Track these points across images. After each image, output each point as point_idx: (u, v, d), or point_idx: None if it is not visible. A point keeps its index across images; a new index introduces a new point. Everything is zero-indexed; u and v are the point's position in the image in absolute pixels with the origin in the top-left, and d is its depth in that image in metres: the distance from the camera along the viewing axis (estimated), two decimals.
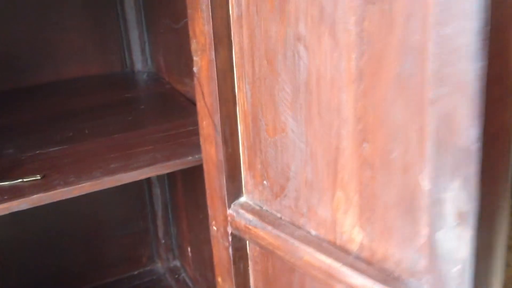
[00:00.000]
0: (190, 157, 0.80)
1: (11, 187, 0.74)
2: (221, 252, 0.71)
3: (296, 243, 0.58)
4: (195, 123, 0.88)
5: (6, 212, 0.70)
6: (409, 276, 0.49)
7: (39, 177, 0.75)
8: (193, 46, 0.62)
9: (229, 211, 0.67)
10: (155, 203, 1.26)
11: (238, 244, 0.68)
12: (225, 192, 0.66)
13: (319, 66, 0.51)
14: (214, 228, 0.71)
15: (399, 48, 0.44)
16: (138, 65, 1.17)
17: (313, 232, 0.58)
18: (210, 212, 0.71)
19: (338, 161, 0.53)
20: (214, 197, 0.69)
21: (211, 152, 0.66)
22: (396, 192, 0.48)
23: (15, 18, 1.09)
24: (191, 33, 0.62)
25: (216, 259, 0.73)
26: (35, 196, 0.71)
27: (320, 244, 0.57)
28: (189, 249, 1.20)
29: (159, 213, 1.27)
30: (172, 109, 0.99)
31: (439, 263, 0.45)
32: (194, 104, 0.97)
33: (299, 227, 0.60)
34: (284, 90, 0.56)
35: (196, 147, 0.80)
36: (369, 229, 0.52)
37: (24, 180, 0.74)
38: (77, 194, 0.74)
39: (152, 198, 1.26)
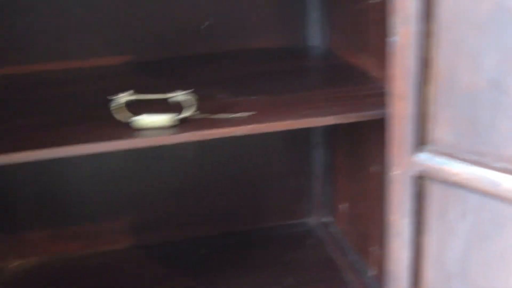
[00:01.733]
0: (366, 112, 0.97)
1: (227, 120, 0.95)
2: (401, 194, 0.86)
3: (495, 173, 0.74)
4: (370, 89, 1.06)
5: (226, 135, 0.91)
6: None
7: (250, 114, 0.96)
8: (395, 18, 0.79)
9: (414, 157, 0.83)
10: (316, 163, 1.45)
11: (420, 186, 0.84)
12: (412, 140, 0.82)
13: None
14: (395, 173, 0.87)
15: None
16: (315, 40, 1.36)
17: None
18: (392, 159, 0.86)
19: None
20: (399, 146, 0.84)
21: (401, 106, 0.81)
22: None
23: None
24: (393, 7, 0.78)
25: (393, 201, 0.89)
26: (248, 126, 0.92)
27: None
28: (344, 205, 1.38)
29: (319, 173, 1.46)
30: (347, 77, 1.15)
31: None
32: (367, 75, 1.14)
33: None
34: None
35: (372, 106, 0.97)
36: None
37: (239, 115, 0.96)
38: (278, 129, 0.93)
39: (314, 159, 1.45)
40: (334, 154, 1.41)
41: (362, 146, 1.21)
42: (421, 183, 0.86)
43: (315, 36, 1.36)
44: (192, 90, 0.94)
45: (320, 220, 1.50)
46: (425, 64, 0.79)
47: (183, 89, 0.96)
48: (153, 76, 1.21)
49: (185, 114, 0.92)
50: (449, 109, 0.79)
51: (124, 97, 0.92)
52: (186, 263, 1.39)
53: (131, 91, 0.93)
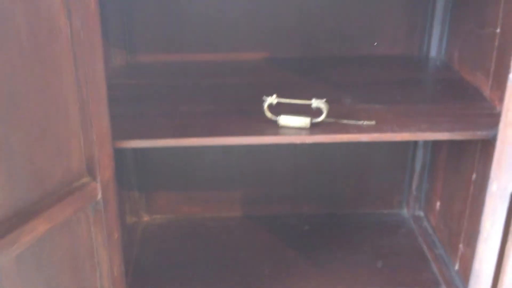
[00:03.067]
0: (478, 132, 1.10)
1: (355, 125, 1.11)
2: (497, 206, 1.00)
3: None
4: (482, 108, 1.18)
5: (353, 140, 1.08)
6: None
7: (374, 123, 1.12)
8: None
9: None
10: (416, 162, 1.59)
11: None
12: None
13: None
14: (494, 187, 1.01)
15: None
16: (433, 53, 1.48)
17: None
18: (493, 176, 1.00)
19: None
20: (501, 166, 0.98)
21: (509, 133, 0.95)
22: None
23: (348, 3, 1.46)
24: None
25: (487, 210, 1.03)
26: (373, 134, 1.07)
27: None
28: (438, 203, 1.52)
29: (417, 170, 1.60)
30: (461, 93, 1.26)
31: None
32: (480, 93, 1.25)
33: None
34: None
35: (483, 126, 1.09)
36: None
37: (364, 122, 1.12)
38: (398, 139, 1.08)
39: (415, 158, 1.59)
40: (437, 155, 1.54)
41: (465, 154, 1.33)
42: None
43: (436, 47, 1.47)
44: (326, 99, 1.11)
45: (414, 213, 1.65)
46: None
47: (315, 89, 1.12)
48: (291, 73, 1.39)
49: (320, 118, 1.10)
50: None
51: (272, 100, 1.10)
52: (290, 237, 1.58)
53: (276, 95, 1.11)
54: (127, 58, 1.47)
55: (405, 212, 1.68)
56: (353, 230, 1.61)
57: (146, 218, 1.66)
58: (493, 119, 1.11)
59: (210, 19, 1.44)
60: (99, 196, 0.98)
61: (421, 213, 1.65)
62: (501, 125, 0.98)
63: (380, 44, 1.50)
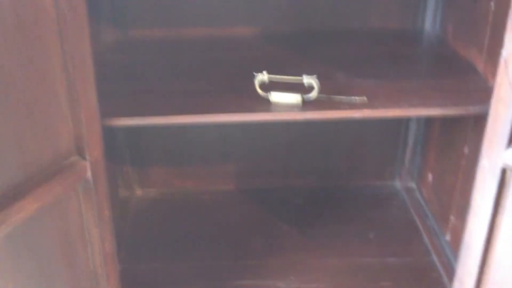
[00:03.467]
0: (470, 107, 1.09)
1: (347, 102, 1.10)
2: (487, 180, 1.01)
3: None
4: (475, 84, 1.18)
5: (346, 116, 1.07)
6: None
7: (365, 99, 1.11)
8: (509, 36, 0.90)
9: (503, 153, 0.96)
10: (409, 135, 1.59)
11: (503, 176, 0.99)
12: (504, 139, 0.95)
13: None
14: (485, 162, 1.01)
15: None
16: (428, 26, 1.46)
17: None
18: (484, 151, 1.00)
19: None
20: (492, 142, 0.98)
21: (500, 109, 0.94)
22: None
23: None
24: (510, 26, 0.89)
25: (478, 184, 1.03)
26: (365, 110, 1.07)
27: None
28: (430, 176, 1.52)
29: (410, 144, 1.60)
30: (455, 68, 1.25)
31: None
32: (474, 68, 1.23)
33: None
34: None
35: (476, 102, 1.08)
36: None
37: (356, 98, 1.11)
38: (389, 116, 1.08)
39: (408, 131, 1.59)
40: (430, 128, 1.53)
41: (458, 128, 1.33)
42: (504, 174, 1.00)
43: (430, 21, 1.45)
44: (317, 74, 1.09)
45: (406, 185, 1.66)
46: None
47: (308, 64, 1.10)
48: (284, 48, 1.37)
49: (312, 95, 1.09)
50: None
51: (263, 76, 1.09)
52: (282, 210, 1.59)
53: (266, 72, 1.10)
54: (118, 34, 1.44)
55: (397, 184, 1.68)
56: (346, 202, 1.62)
57: (139, 192, 1.66)
58: (486, 94, 1.10)
59: None
60: (89, 174, 0.98)
61: (413, 185, 1.66)
62: (493, 101, 0.97)
63: (374, 18, 1.48)
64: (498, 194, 1.03)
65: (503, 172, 1.00)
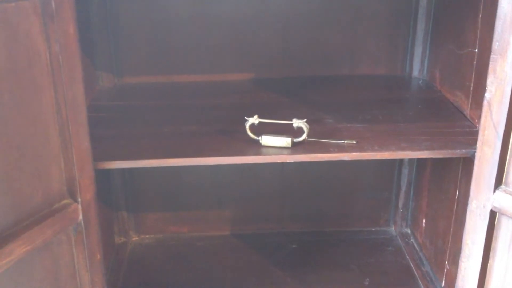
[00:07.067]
0: (457, 150, 1.11)
1: (336, 144, 1.12)
2: (476, 223, 1.02)
3: None
4: (462, 127, 1.20)
5: (335, 159, 1.08)
6: None
7: (355, 142, 1.13)
8: (490, 79, 0.92)
9: (493, 195, 0.97)
10: (402, 180, 1.60)
11: (492, 219, 0.99)
12: (491, 181, 0.96)
13: None
14: (474, 205, 1.02)
15: None
16: (415, 72, 1.50)
17: None
18: (472, 194, 1.01)
19: None
20: (480, 184, 0.99)
21: (486, 151, 0.96)
22: None
23: (331, 25, 1.49)
24: (491, 69, 0.92)
25: (468, 228, 1.04)
26: (354, 153, 1.08)
27: None
28: (424, 220, 1.52)
29: (403, 189, 1.61)
30: (443, 112, 1.28)
31: None
32: (460, 112, 1.27)
33: None
34: None
35: (463, 145, 1.10)
36: None
37: (345, 142, 1.13)
38: (379, 158, 1.10)
39: (400, 176, 1.60)
40: (422, 172, 1.55)
41: (449, 172, 1.34)
42: (493, 217, 1.01)
43: (418, 67, 1.49)
44: (306, 119, 1.12)
45: (401, 231, 1.66)
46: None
47: (298, 109, 1.13)
48: (275, 94, 1.41)
49: (301, 138, 1.11)
50: None
51: (254, 120, 1.11)
52: (277, 255, 1.58)
53: (257, 116, 1.12)
54: (115, 80, 1.48)
55: (392, 229, 1.68)
56: (341, 248, 1.61)
57: (134, 238, 1.66)
58: (473, 137, 1.12)
59: (195, 41, 1.46)
60: (80, 217, 0.99)
61: (408, 231, 1.66)
62: (479, 143, 0.99)
63: (363, 65, 1.51)
64: (489, 237, 1.03)
65: (492, 214, 1.01)
